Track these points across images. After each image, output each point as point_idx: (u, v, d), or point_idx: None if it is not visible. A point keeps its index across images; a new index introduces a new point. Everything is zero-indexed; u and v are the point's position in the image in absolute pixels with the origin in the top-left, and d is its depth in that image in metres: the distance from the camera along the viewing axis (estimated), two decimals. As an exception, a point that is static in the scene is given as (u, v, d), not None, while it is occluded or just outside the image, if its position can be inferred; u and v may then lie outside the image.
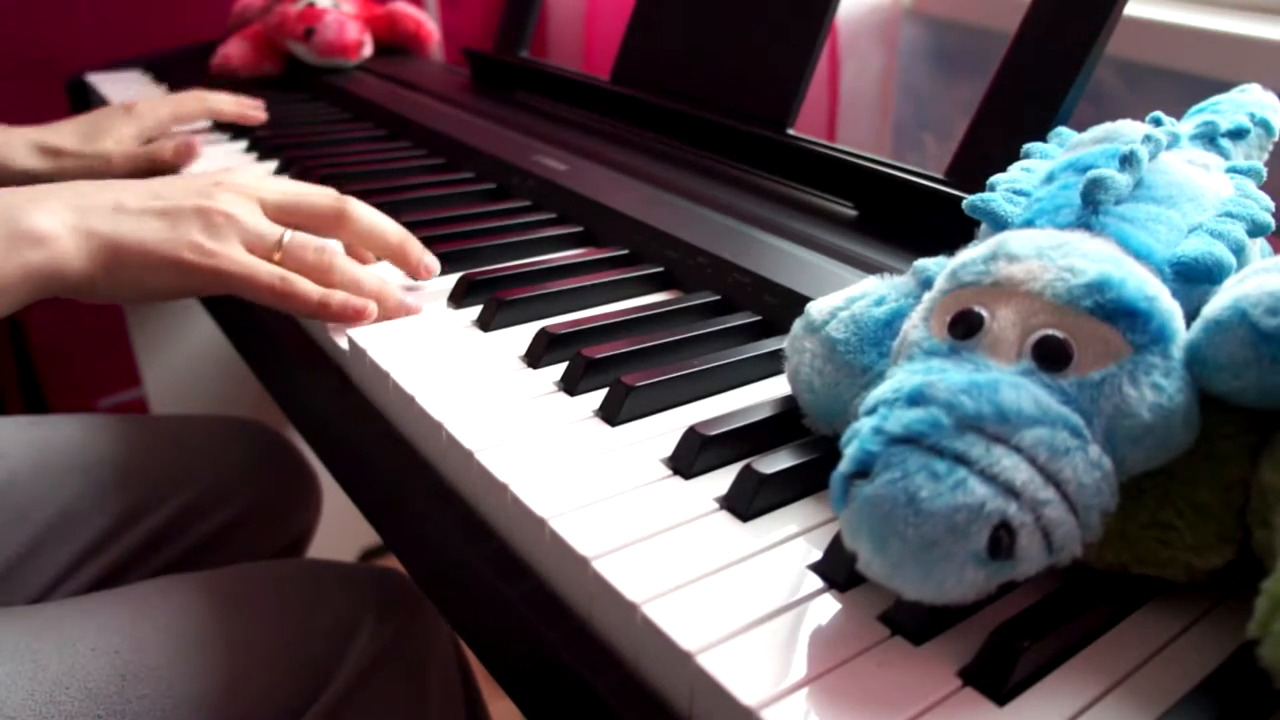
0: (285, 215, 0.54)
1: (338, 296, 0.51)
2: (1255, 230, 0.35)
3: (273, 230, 0.53)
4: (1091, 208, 0.35)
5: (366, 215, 0.56)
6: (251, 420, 0.85)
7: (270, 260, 0.52)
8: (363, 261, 0.60)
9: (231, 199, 0.52)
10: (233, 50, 1.06)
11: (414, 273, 0.57)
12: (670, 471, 0.40)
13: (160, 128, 0.84)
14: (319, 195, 0.56)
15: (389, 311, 0.53)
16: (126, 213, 0.50)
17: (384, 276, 0.55)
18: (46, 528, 0.68)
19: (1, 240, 0.46)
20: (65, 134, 0.79)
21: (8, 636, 0.51)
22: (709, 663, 0.29)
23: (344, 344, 0.51)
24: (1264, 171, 0.40)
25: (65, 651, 0.51)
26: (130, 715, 0.49)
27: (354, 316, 0.51)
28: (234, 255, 0.51)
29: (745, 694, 0.28)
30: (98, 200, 0.50)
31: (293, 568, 0.63)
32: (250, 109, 0.90)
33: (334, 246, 0.55)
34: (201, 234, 0.50)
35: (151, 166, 0.80)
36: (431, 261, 0.57)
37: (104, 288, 0.50)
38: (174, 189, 0.52)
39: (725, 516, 0.37)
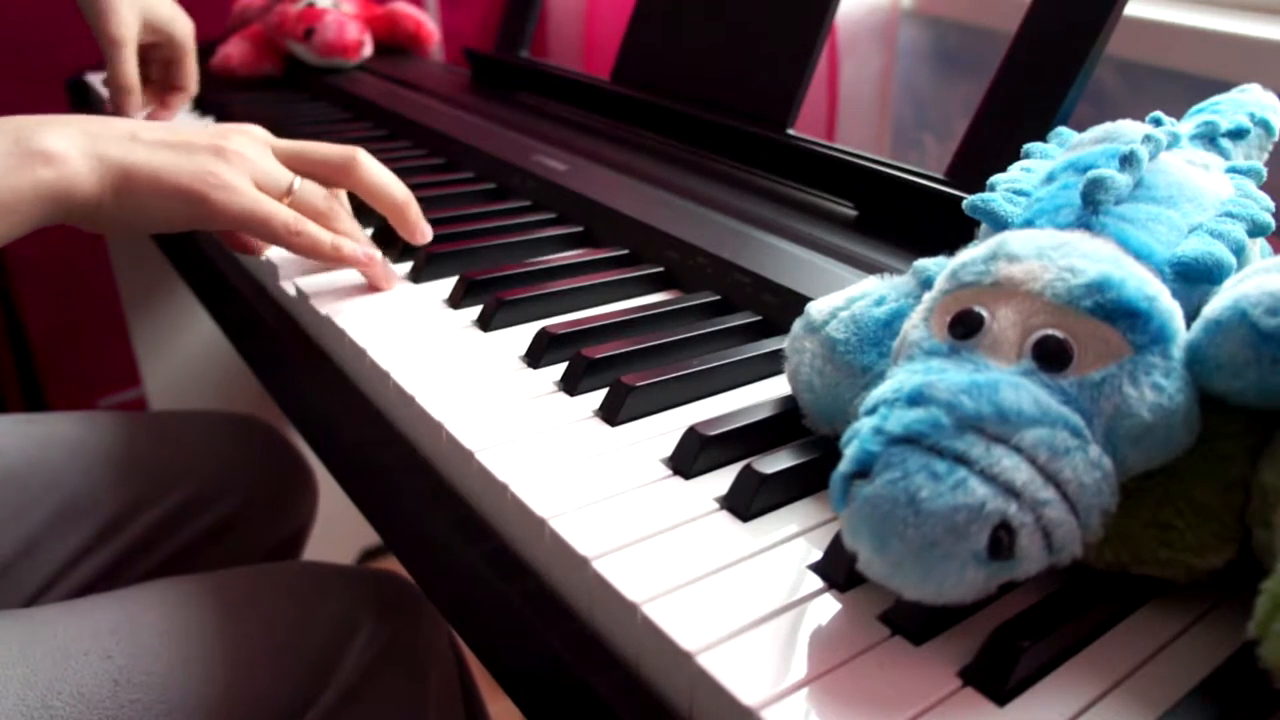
0: (296, 161, 0.56)
1: (348, 244, 0.53)
2: (1255, 230, 0.35)
3: (285, 174, 0.54)
4: (1091, 208, 0.35)
5: (376, 168, 0.57)
6: (246, 415, 0.84)
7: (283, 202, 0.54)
8: None
9: (245, 141, 0.54)
10: (233, 50, 1.06)
11: (410, 234, 0.58)
12: (670, 471, 0.40)
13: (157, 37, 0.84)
14: (330, 145, 0.57)
15: (375, 278, 0.56)
16: (140, 142, 0.50)
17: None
18: (43, 525, 0.68)
19: (13, 158, 0.47)
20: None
21: (0, 641, 0.51)
22: (709, 663, 0.29)
23: (344, 345, 0.51)
24: (1264, 171, 0.40)
25: (58, 656, 0.50)
26: None
27: (364, 263, 0.54)
28: (250, 190, 0.52)
29: (745, 694, 0.28)
30: (111, 129, 0.50)
31: (289, 570, 0.63)
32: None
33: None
34: (215, 166, 0.51)
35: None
36: (427, 229, 0.59)
37: (111, 213, 0.50)
38: (187, 129, 0.53)
39: (725, 516, 0.37)
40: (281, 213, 0.52)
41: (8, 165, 0.46)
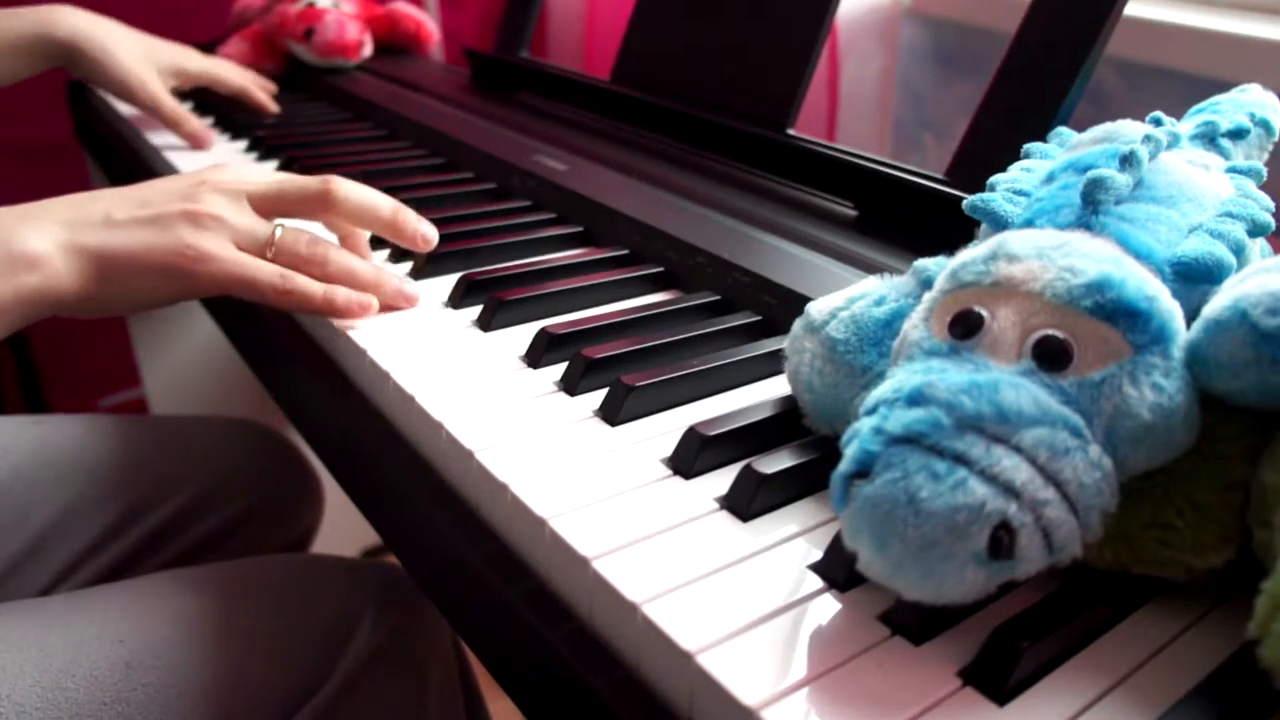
0: (273, 205, 0.54)
1: (341, 293, 0.51)
2: (1255, 230, 0.35)
3: (263, 226, 0.52)
4: (1091, 208, 0.35)
5: (355, 192, 0.55)
6: (254, 421, 0.85)
7: (263, 257, 0.52)
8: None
9: (218, 199, 0.52)
10: (233, 50, 1.06)
11: (412, 243, 0.56)
12: (670, 471, 0.40)
13: (195, 82, 0.93)
14: (305, 179, 0.55)
15: (387, 298, 0.53)
16: (115, 225, 0.50)
17: (380, 265, 0.55)
18: (48, 526, 0.68)
19: None
20: (125, 41, 0.87)
21: (14, 627, 0.52)
22: (709, 663, 0.29)
23: (344, 345, 0.51)
24: (1264, 171, 0.40)
25: (71, 640, 0.51)
26: (135, 704, 0.50)
27: (358, 312, 0.52)
28: (231, 256, 0.50)
29: (745, 694, 0.28)
30: (86, 214, 0.50)
31: (295, 561, 0.63)
32: (270, 94, 0.98)
33: (328, 238, 0.55)
34: (191, 236, 0.50)
35: (164, 120, 0.86)
36: (428, 230, 0.56)
37: (100, 301, 0.50)
38: (160, 194, 0.52)
39: (725, 516, 0.37)
40: (266, 274, 0.51)
41: None
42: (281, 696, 0.53)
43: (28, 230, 0.48)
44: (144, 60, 0.87)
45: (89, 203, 0.51)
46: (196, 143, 0.86)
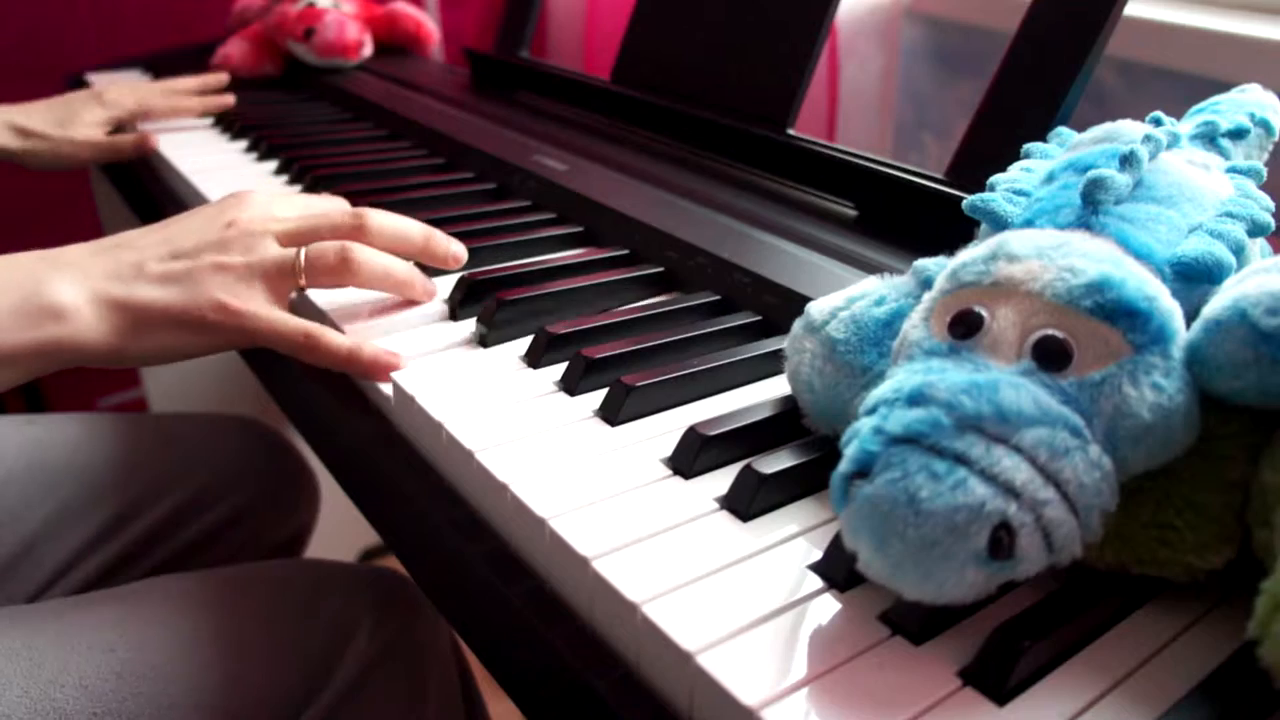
0: (303, 240, 0.53)
1: (368, 349, 0.49)
2: (1255, 230, 0.35)
3: (289, 254, 0.52)
4: (1091, 208, 0.35)
5: (388, 223, 0.55)
6: (248, 417, 0.85)
7: (296, 283, 0.51)
8: None
9: (247, 243, 0.51)
10: (233, 50, 1.06)
11: (444, 264, 0.56)
12: (670, 471, 0.40)
13: (129, 118, 0.90)
14: (335, 214, 0.54)
15: (418, 295, 0.55)
16: (147, 278, 0.49)
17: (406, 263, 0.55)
18: (42, 526, 0.68)
19: (21, 315, 0.46)
20: (37, 116, 0.86)
21: (4, 634, 0.51)
22: (709, 663, 0.29)
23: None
24: (1264, 171, 0.40)
25: (62, 649, 0.51)
26: (127, 713, 0.49)
27: (382, 371, 0.49)
28: (258, 312, 0.50)
29: (745, 694, 0.28)
30: (118, 265, 0.49)
31: (291, 568, 0.63)
32: (216, 102, 0.95)
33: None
34: (223, 291, 0.49)
35: (114, 157, 0.87)
36: (459, 249, 0.57)
37: (129, 353, 0.49)
38: (191, 239, 0.51)
39: (725, 516, 0.37)
40: (292, 331, 0.50)
41: (15, 323, 0.46)
42: (278, 705, 0.53)
43: (60, 280, 0.47)
44: (70, 123, 0.86)
45: (121, 251, 0.50)
46: (140, 150, 0.86)
